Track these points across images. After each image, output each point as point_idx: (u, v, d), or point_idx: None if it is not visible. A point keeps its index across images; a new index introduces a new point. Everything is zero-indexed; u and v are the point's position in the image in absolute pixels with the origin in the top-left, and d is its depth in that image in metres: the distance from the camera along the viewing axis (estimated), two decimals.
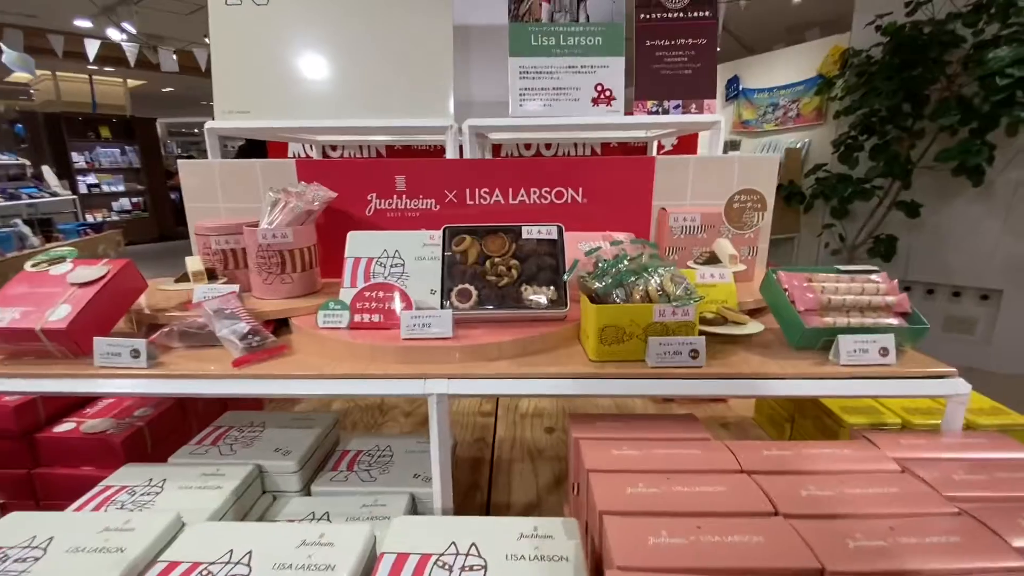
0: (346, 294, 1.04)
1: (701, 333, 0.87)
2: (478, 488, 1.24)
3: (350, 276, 1.08)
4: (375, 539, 0.68)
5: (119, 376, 0.87)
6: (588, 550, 0.68)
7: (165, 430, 1.16)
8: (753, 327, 0.92)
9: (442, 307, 0.99)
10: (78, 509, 0.82)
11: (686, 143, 2.02)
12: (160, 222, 9.89)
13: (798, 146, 4.55)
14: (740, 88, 5.09)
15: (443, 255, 1.03)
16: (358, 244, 1.10)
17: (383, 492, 0.93)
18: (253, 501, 0.91)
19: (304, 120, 1.43)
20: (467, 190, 1.31)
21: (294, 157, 2.08)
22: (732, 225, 1.17)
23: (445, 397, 0.83)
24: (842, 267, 0.99)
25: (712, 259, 1.14)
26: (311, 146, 2.04)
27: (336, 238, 1.29)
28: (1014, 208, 3.60)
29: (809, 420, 1.19)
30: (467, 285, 0.99)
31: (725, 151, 5.26)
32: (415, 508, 0.93)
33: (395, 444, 1.10)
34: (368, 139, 1.99)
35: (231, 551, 0.63)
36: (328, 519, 0.87)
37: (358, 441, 1.11)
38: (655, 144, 1.95)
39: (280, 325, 1.10)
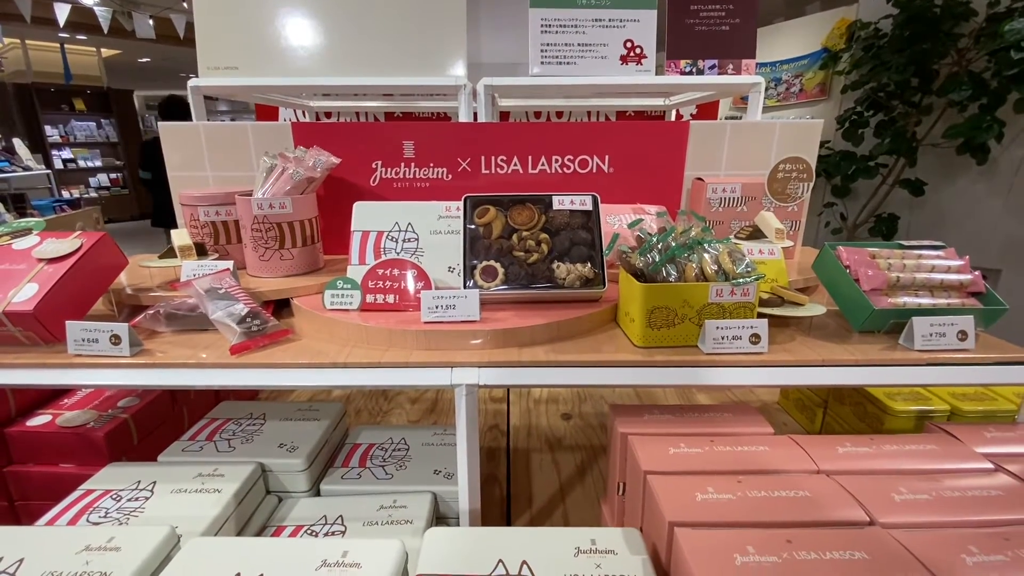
0: (355, 272, 0.93)
1: (759, 315, 0.78)
2: (496, 481, 1.15)
3: (358, 252, 0.97)
4: (407, 556, 0.58)
5: (98, 366, 0.76)
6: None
7: (153, 422, 1.05)
8: (814, 308, 0.83)
9: (464, 286, 0.88)
10: (54, 519, 0.71)
11: (705, 113, 1.90)
12: (141, 199, 9.52)
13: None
14: None
15: (464, 228, 0.92)
16: (366, 216, 0.99)
17: (402, 492, 0.84)
18: (256, 504, 0.81)
19: (299, 78, 1.29)
20: (482, 158, 1.19)
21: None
22: (775, 197, 1.07)
23: (475, 388, 0.74)
24: (906, 243, 0.90)
25: (755, 234, 1.04)
26: (304, 113, 1.89)
27: (336, 211, 1.17)
28: (1016, 187, 3.55)
29: (847, 406, 1.12)
30: (492, 262, 0.89)
31: None
32: (438, 509, 0.84)
33: (410, 436, 1.00)
34: (366, 105, 1.84)
35: None
36: (342, 523, 0.78)
37: (369, 433, 1.01)
38: (673, 113, 1.83)
39: (280, 307, 0.99)
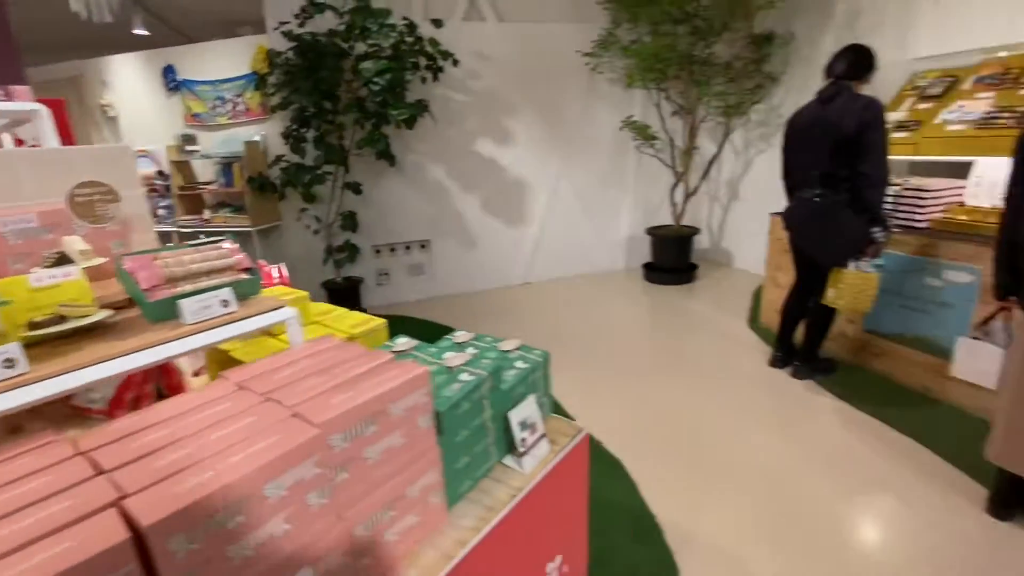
0: None
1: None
2: None
3: None
4: None
5: None
6: None
7: None
8: (100, 314, 0.92)
9: None
10: None
11: None
12: None
13: (256, 139, 4.74)
14: (179, 79, 4.79)
15: None
16: None
17: None
18: None
19: None
20: None
21: None
22: (87, 220, 1.11)
23: None
24: (195, 242, 1.12)
25: (64, 259, 1.05)
26: None
27: None
28: (418, 182, 4.99)
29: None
30: None
31: (182, 146, 4.81)
32: None
33: None
34: None
35: None
36: None
37: None
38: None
39: None
